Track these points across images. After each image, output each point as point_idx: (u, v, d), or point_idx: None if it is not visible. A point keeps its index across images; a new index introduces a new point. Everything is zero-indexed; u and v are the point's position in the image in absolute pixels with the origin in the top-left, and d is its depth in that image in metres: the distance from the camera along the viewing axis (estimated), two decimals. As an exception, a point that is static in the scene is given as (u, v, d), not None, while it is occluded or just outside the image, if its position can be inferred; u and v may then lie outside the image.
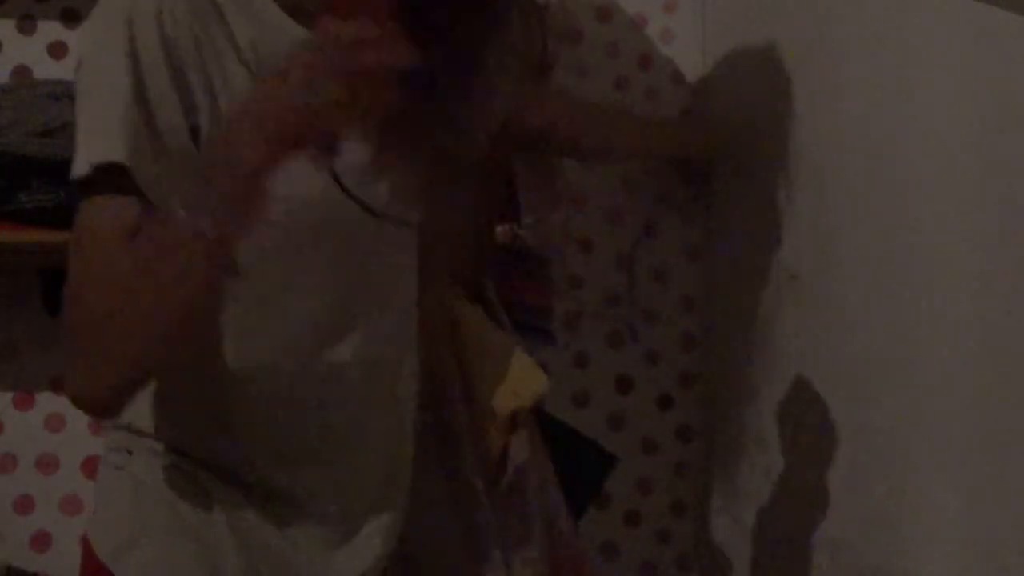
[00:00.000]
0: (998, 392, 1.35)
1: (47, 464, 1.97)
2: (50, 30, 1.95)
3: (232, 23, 1.06)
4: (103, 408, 1.09)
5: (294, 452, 1.17)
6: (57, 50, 1.95)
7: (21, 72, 1.95)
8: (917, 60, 1.49)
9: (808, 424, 1.76)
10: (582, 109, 1.91)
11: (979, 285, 1.38)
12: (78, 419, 1.92)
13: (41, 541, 1.96)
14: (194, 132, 1.04)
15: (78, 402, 1.05)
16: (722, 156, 2.06)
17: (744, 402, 1.96)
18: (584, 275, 2.08)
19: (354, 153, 0.97)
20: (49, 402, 1.96)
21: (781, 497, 1.83)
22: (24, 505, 1.96)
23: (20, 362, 1.96)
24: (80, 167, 1.02)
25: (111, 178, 1.01)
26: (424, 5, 0.95)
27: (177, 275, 0.96)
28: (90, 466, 1.93)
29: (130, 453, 1.19)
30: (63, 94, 1.78)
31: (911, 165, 1.51)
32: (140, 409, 1.16)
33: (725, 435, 2.03)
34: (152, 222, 0.99)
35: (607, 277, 2.10)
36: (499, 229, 1.67)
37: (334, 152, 0.95)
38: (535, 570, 1.42)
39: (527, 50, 1.49)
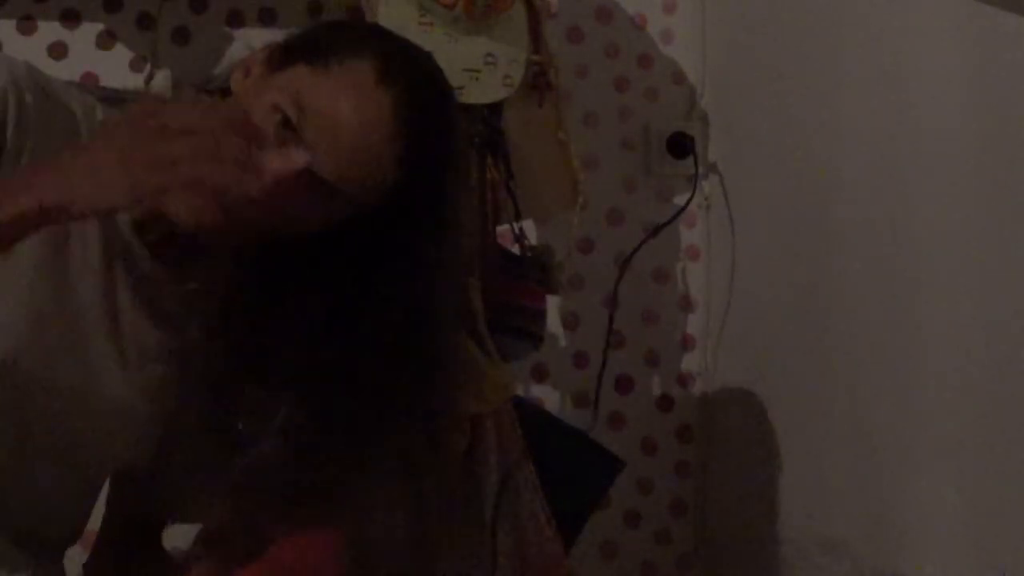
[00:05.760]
0: (998, 391, 1.35)
1: None
2: (50, 31, 1.94)
3: None
4: None
5: None
6: (57, 50, 1.94)
7: (21, 72, 1.94)
8: (917, 60, 1.49)
9: (808, 424, 1.76)
10: None
11: (979, 285, 1.38)
12: None
13: None
14: None
15: None
16: (721, 155, 2.07)
17: (744, 402, 1.96)
18: (584, 275, 2.08)
19: None
20: None
21: (781, 497, 1.83)
22: None
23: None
24: None
25: None
26: None
27: None
28: None
29: None
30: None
31: (911, 165, 1.51)
32: None
33: (725, 435, 2.03)
34: None
35: (607, 277, 2.10)
36: (499, 231, 1.67)
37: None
38: (484, 571, 1.44)
39: None
